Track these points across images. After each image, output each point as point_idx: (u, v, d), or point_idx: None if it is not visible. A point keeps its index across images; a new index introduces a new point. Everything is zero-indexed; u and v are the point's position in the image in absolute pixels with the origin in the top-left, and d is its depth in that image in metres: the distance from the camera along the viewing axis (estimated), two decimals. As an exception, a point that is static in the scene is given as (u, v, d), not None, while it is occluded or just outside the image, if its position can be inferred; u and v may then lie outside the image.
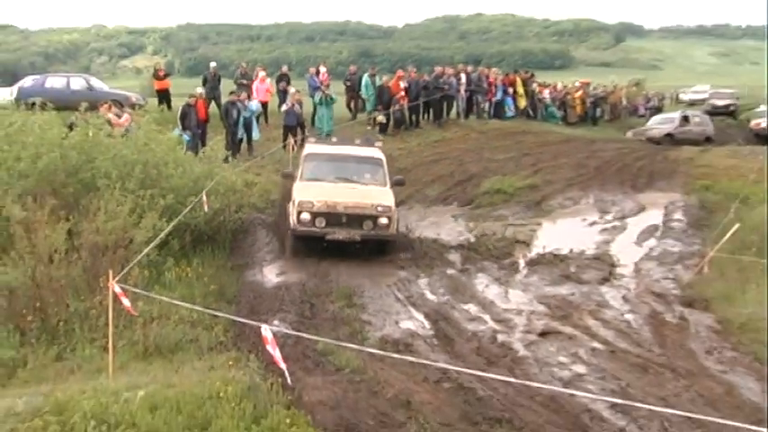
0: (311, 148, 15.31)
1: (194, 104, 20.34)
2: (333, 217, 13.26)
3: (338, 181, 14.24)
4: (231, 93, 22.29)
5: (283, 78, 26.32)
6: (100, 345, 8.94)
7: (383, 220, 13.34)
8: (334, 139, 16.37)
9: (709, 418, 6.11)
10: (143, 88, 34.40)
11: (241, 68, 26.82)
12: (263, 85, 24.80)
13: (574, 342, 9.26)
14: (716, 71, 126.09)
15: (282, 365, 6.68)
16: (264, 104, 24.48)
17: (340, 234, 13.22)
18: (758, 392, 7.75)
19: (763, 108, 35.44)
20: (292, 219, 13.27)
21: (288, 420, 6.61)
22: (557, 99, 34.08)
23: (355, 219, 13.30)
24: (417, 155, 22.34)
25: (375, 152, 15.20)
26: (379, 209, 13.36)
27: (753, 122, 34.27)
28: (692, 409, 7.14)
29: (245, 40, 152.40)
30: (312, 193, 13.51)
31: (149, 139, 14.02)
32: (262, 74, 25.45)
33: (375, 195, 13.76)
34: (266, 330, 6.44)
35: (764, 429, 4.65)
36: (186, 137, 19.11)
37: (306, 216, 13.20)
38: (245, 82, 24.88)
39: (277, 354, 6.54)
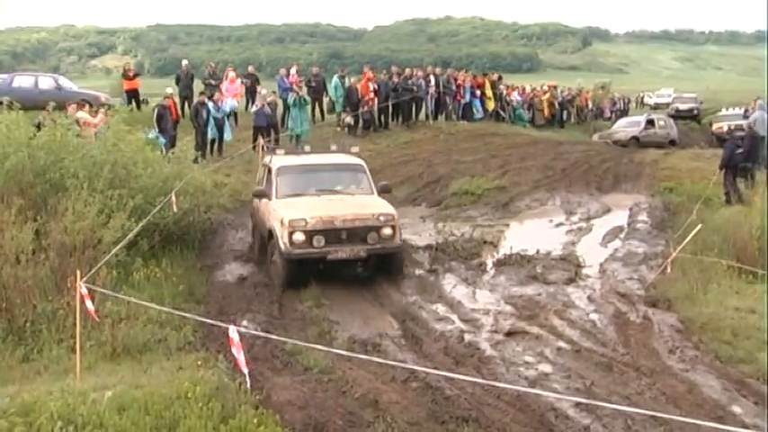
0: (282, 160, 13.40)
1: (169, 106, 20.20)
2: (331, 233, 11.63)
3: (321, 193, 12.70)
4: (201, 93, 22.19)
5: (250, 78, 26.22)
6: (67, 345, 8.86)
7: (387, 231, 11.86)
8: (306, 148, 14.42)
9: (672, 417, 6.17)
10: (113, 88, 33.99)
11: (209, 68, 26.65)
12: (233, 86, 24.67)
13: (540, 342, 9.30)
14: (679, 75, 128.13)
15: (245, 369, 6.67)
16: (238, 103, 24.38)
17: (343, 252, 11.64)
18: (719, 390, 7.84)
19: (724, 112, 35.93)
20: (282, 241, 11.56)
21: (256, 420, 6.57)
22: (524, 101, 34.29)
23: (356, 232, 11.76)
24: (386, 156, 22.34)
25: (353, 159, 13.76)
26: (381, 218, 11.90)
27: (715, 126, 34.72)
28: (655, 407, 7.21)
29: (216, 41, 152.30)
30: (302, 209, 11.91)
31: (118, 139, 13.88)
32: (231, 74, 25.32)
33: (371, 204, 12.45)
34: (233, 332, 6.42)
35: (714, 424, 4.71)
36: (162, 139, 18.94)
37: (299, 236, 11.50)
38: (213, 82, 24.73)
39: (241, 357, 6.54)
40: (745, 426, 6.84)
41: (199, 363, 8.14)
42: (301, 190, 12.73)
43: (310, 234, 11.54)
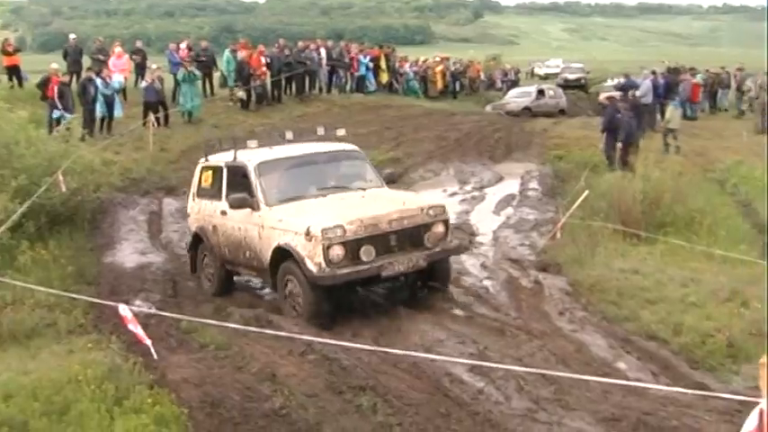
0: (258, 155, 10.25)
1: (68, 83, 19.54)
2: (379, 241, 8.85)
3: (326, 192, 9.87)
4: (88, 69, 21.53)
5: (138, 53, 25.56)
6: (-52, 334, 8.52)
7: (439, 228, 9.31)
8: (288, 135, 10.98)
9: (561, 374, 6.37)
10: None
11: (97, 42, 25.80)
12: (121, 61, 23.93)
13: (434, 310, 9.44)
14: (567, 46, 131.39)
15: (147, 341, 6.58)
16: (125, 80, 23.73)
17: (400, 264, 8.91)
18: (605, 348, 8.15)
19: (610, 82, 37.00)
20: (313, 262, 8.62)
21: (150, 400, 6.51)
22: (417, 73, 34.49)
23: (408, 235, 9.08)
24: (280, 130, 22.08)
25: (349, 145, 11.04)
26: (431, 212, 9.29)
27: (602, 96, 35.71)
28: (546, 366, 7.41)
29: (102, 15, 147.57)
30: (330, 214, 8.94)
31: (-4, 117, 13.38)
32: (118, 49, 24.50)
33: (407, 197, 9.98)
34: (124, 310, 6.32)
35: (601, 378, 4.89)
36: (67, 115, 18.29)
37: (338, 251, 8.60)
38: (101, 57, 23.93)
39: (139, 330, 6.44)
40: (628, 379, 7.16)
41: (90, 345, 7.99)
42: (299, 191, 9.83)
43: (353, 245, 8.73)
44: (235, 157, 10.30)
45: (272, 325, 8.66)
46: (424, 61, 36.53)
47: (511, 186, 16.99)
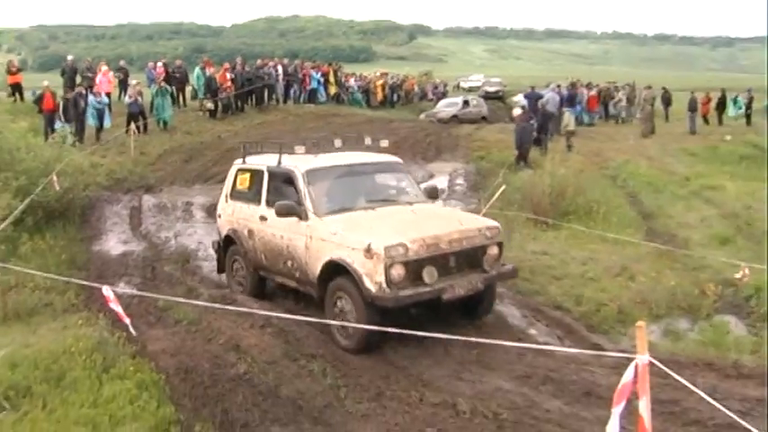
0: (305, 162, 8.39)
1: (71, 98, 19.28)
2: (440, 262, 7.15)
3: (375, 205, 8.08)
4: (78, 85, 21.33)
5: (121, 71, 25.39)
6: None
7: (494, 250, 7.58)
8: (337, 143, 9.09)
9: (481, 340, 6.42)
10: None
11: (86, 62, 25.49)
12: (106, 78, 23.60)
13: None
14: (488, 64, 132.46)
15: (126, 320, 6.47)
16: (107, 95, 23.42)
17: (460, 287, 7.18)
18: (519, 317, 8.27)
19: (520, 96, 37.44)
20: (374, 281, 6.87)
21: (133, 368, 6.50)
22: (361, 87, 34.48)
23: (465, 257, 7.38)
24: (243, 136, 21.83)
25: (392, 157, 9.30)
26: (488, 233, 7.56)
27: (515, 111, 36.10)
28: (469, 334, 7.46)
29: (92, 39, 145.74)
30: (390, 231, 7.19)
31: (1, 127, 13.21)
32: (104, 68, 24.26)
33: (463, 216, 8.28)
34: (107, 291, 6.20)
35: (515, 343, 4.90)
36: (67, 127, 17.96)
37: (399, 271, 6.86)
38: (89, 75, 23.59)
39: (119, 309, 6.32)
40: (538, 343, 7.26)
41: (81, 322, 7.93)
42: (348, 203, 8.03)
43: (414, 265, 6.99)
44: (279, 162, 8.61)
45: (236, 303, 8.57)
46: (367, 76, 36.50)
47: (440, 182, 17.01)
